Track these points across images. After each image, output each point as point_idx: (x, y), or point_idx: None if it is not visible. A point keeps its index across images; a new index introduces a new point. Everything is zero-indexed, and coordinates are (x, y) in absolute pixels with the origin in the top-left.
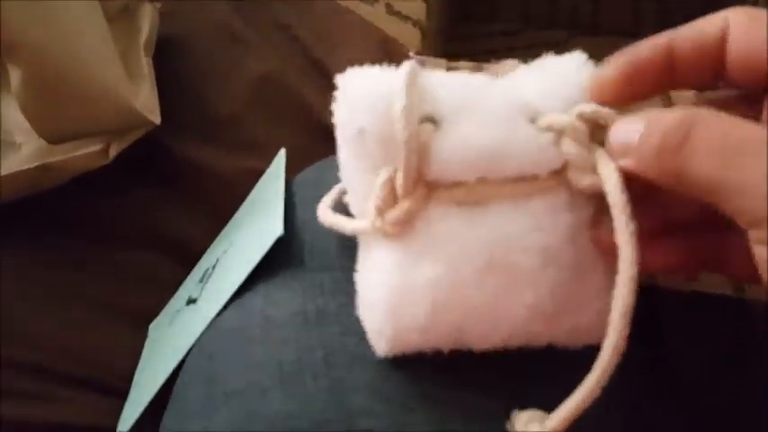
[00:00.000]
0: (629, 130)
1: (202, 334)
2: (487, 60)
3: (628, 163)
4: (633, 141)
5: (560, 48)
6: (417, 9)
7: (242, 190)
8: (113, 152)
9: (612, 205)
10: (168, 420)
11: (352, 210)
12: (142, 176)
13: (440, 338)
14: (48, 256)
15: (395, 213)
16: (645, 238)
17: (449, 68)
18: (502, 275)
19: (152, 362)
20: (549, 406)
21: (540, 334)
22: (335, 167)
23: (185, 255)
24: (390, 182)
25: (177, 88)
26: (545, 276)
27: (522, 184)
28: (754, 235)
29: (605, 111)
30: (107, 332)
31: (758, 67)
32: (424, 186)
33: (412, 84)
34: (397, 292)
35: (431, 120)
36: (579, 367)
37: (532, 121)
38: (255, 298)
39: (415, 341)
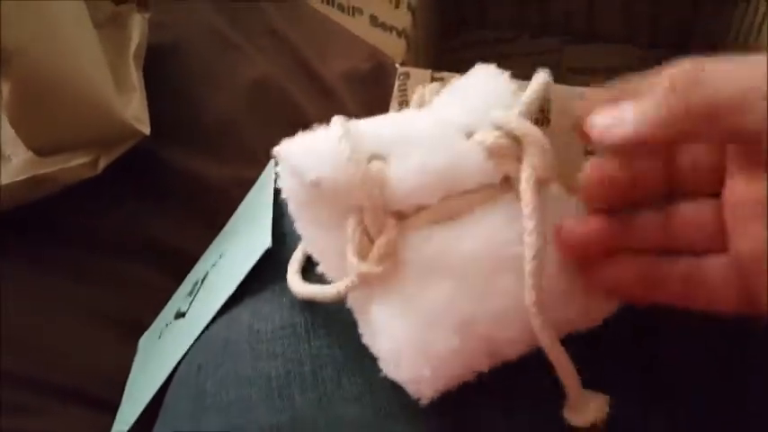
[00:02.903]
0: (612, 110)
1: (191, 347)
2: None
3: (631, 129)
4: (627, 111)
5: (554, 54)
6: (403, 19)
7: (234, 199)
8: (103, 164)
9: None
10: None
11: (331, 277)
12: (133, 187)
13: (475, 355)
14: (38, 266)
15: (377, 250)
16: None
17: (433, 79)
18: (510, 270)
19: (142, 375)
20: (539, 413)
21: (561, 320)
22: None
23: (177, 265)
24: (360, 225)
25: (168, 97)
26: (549, 256)
27: (482, 192)
28: None
29: (517, 122)
30: (100, 344)
31: None
32: (393, 218)
33: (347, 129)
34: (420, 326)
35: (377, 157)
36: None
37: (469, 136)
38: (243, 312)
39: (454, 369)
